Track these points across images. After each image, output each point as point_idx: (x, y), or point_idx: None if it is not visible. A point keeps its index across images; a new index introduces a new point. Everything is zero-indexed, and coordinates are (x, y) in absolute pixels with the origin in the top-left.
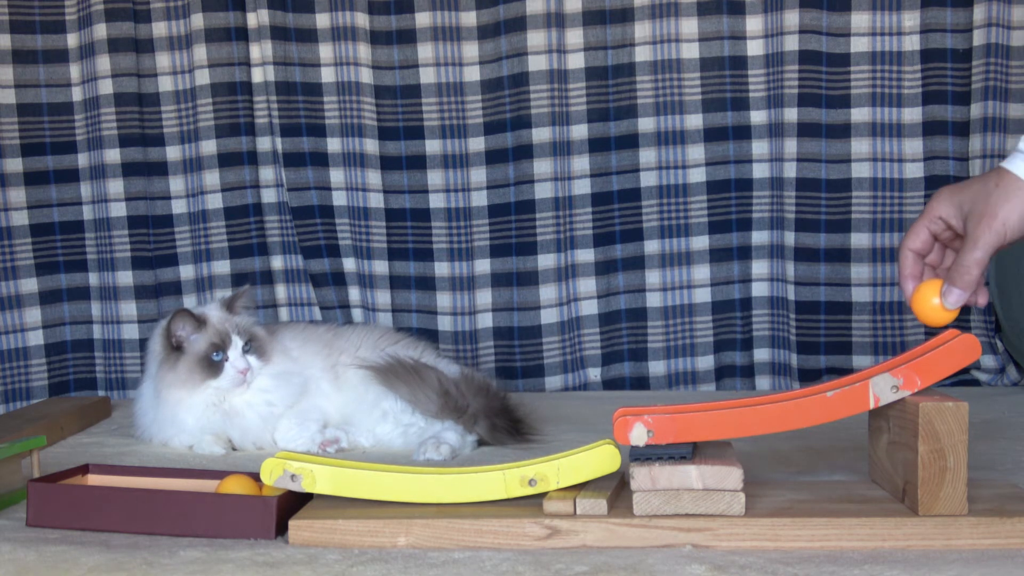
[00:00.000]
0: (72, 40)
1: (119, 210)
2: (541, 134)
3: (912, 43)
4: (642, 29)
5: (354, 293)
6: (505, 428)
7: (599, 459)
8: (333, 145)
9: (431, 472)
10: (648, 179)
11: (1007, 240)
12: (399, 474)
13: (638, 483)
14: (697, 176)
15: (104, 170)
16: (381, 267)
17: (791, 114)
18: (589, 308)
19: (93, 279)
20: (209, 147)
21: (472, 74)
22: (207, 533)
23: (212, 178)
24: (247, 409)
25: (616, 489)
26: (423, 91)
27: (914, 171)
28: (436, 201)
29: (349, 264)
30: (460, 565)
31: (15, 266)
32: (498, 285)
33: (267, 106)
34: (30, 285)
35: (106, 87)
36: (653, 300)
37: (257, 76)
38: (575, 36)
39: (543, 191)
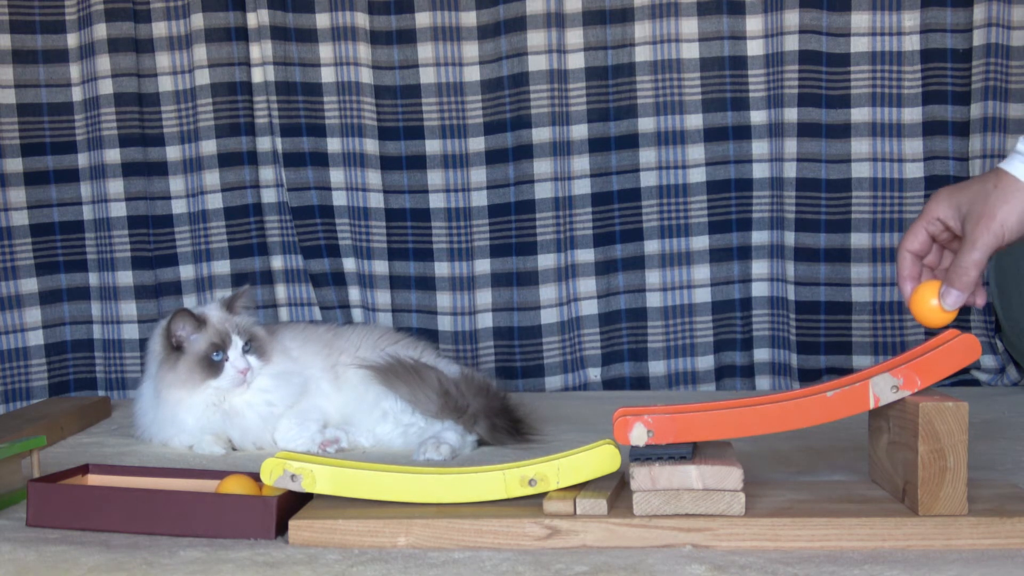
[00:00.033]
0: (72, 40)
1: (119, 210)
2: (541, 134)
3: (912, 43)
4: (642, 29)
5: (354, 293)
6: (505, 428)
7: (599, 459)
8: (333, 145)
9: (431, 472)
10: (648, 179)
11: (1005, 241)
12: (399, 474)
13: (638, 483)
14: (697, 176)
15: (104, 170)
16: (381, 267)
17: (791, 114)
18: (589, 308)
19: (93, 279)
20: (209, 147)
21: (472, 74)
22: (207, 533)
23: (212, 178)
24: (247, 409)
25: (616, 489)
26: (423, 91)
27: (914, 171)
28: (436, 201)
29: (349, 264)
30: (460, 565)
31: (15, 266)
32: (498, 285)
33: (267, 106)
34: (30, 285)
35: (106, 87)
36: (653, 300)
37: (257, 76)
38: (575, 36)
39: (543, 191)
